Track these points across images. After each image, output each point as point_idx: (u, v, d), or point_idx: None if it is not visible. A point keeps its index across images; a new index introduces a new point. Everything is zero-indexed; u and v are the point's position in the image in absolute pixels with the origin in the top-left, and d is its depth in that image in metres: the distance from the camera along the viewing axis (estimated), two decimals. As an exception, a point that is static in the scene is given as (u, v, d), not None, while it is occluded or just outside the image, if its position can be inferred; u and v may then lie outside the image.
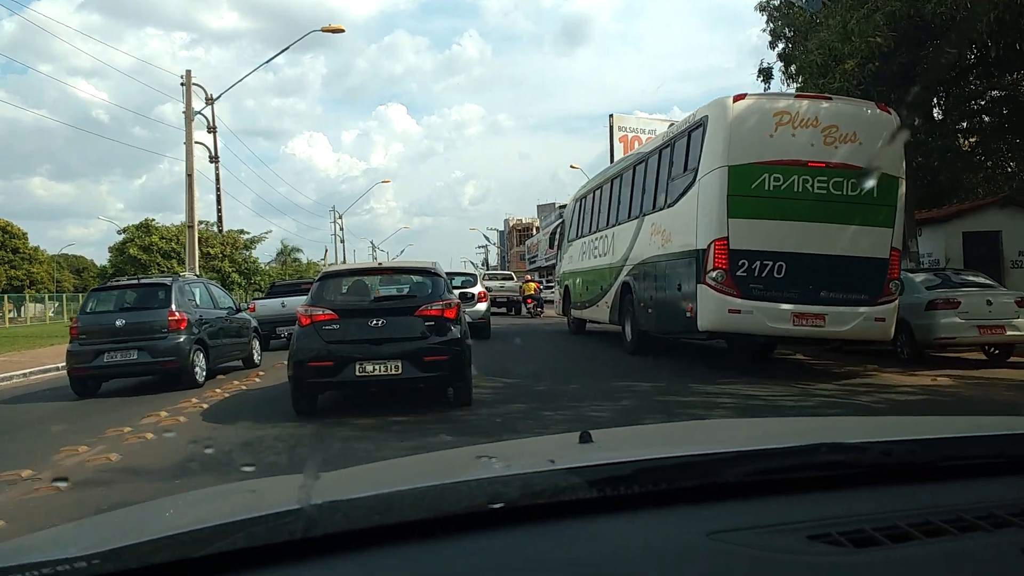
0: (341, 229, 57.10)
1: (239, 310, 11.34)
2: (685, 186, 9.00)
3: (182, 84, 18.72)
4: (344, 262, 59.23)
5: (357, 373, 6.39)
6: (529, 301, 24.19)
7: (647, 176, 10.67)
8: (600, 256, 12.83)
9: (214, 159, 25.77)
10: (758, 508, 0.91)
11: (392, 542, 0.81)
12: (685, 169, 9.12)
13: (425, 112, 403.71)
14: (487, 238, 77.23)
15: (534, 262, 56.08)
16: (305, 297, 7.51)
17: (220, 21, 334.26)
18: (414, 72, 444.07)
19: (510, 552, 0.82)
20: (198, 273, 13.10)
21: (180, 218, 42.13)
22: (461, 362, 6.64)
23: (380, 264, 9.67)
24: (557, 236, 17.81)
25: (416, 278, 7.81)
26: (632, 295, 10.67)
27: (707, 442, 1.30)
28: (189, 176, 18.57)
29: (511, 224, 78.81)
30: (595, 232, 13.48)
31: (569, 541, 0.83)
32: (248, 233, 42.31)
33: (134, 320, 9.09)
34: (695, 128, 8.94)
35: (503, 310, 24.05)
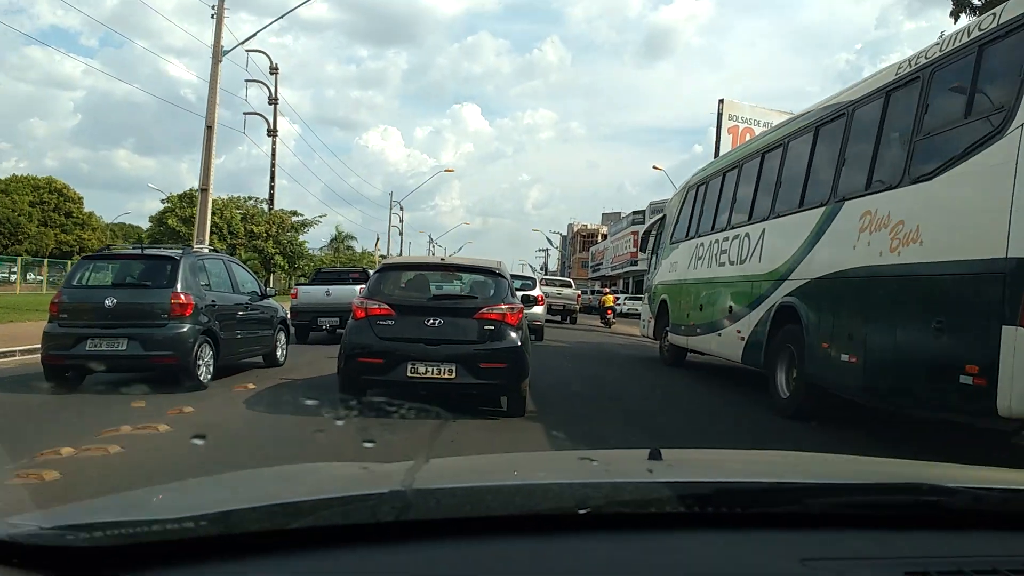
0: (401, 221, 56.27)
1: (264, 295, 9.61)
2: (974, 141, 4.93)
3: (212, 16, 16.81)
4: (400, 254, 58.33)
5: (408, 374, 6.14)
6: (609, 312, 24.58)
7: (855, 134, 6.71)
8: (731, 264, 9.25)
9: (272, 132, 24.76)
10: (849, 540, 0.91)
11: (479, 534, 0.84)
12: (969, 111, 5.12)
13: (498, 114, 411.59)
14: (550, 241, 74.83)
15: (598, 270, 53.69)
16: (351, 287, 7.70)
17: (310, 10, 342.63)
18: (492, 74, 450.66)
19: (593, 556, 0.83)
20: (214, 247, 11.21)
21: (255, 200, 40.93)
22: (519, 371, 6.32)
23: (443, 259, 8.39)
24: (653, 237, 13.83)
25: (479, 277, 7.22)
26: (801, 326, 6.88)
27: (796, 472, 1.29)
28: (209, 128, 16.77)
29: (575, 229, 75.46)
30: (723, 230, 9.79)
31: (654, 552, 0.84)
32: (301, 215, 41.28)
33: (129, 301, 7.43)
34: (1009, 30, 4.79)
35: (557, 318, 23.31)
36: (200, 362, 7.60)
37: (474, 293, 7.14)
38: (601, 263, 56.34)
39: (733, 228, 9.40)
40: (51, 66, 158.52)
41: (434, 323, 6.30)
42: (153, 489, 1.24)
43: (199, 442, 4.56)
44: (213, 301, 8.06)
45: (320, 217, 55.73)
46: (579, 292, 28.34)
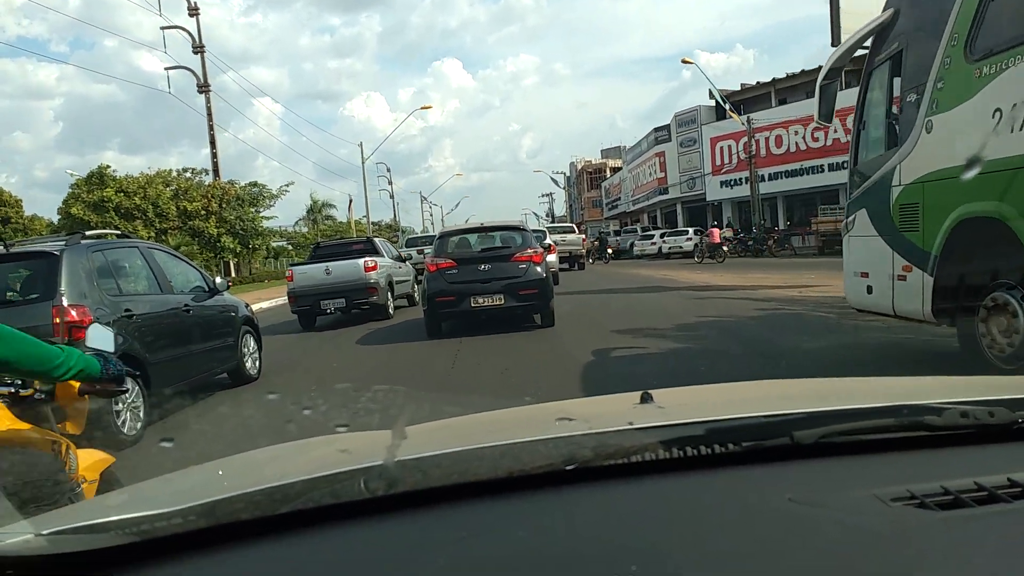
0: (390, 183, 53.45)
1: (214, 291, 7.12)
2: None
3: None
4: (396, 217, 55.71)
5: (472, 304, 9.11)
6: (723, 245, 23.56)
7: None
8: None
9: (203, 88, 21.83)
10: (837, 468, 0.94)
11: (468, 498, 0.86)
12: None
13: (480, 66, 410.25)
14: (555, 181, 70.59)
15: (615, 207, 49.94)
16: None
17: None
18: (468, 25, 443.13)
19: (584, 509, 0.85)
20: (125, 232, 8.02)
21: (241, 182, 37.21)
22: (546, 294, 9.36)
23: (482, 223, 11.73)
24: (877, 95, 6.10)
25: (510, 233, 10.37)
26: None
27: (778, 402, 1.30)
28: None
29: (579, 167, 70.68)
30: None
31: (644, 499, 0.87)
32: (260, 186, 34.82)
33: (-16, 329, 4.97)
34: None
35: (564, 265, 22.97)
36: (121, 407, 5.19)
37: (508, 244, 10.05)
38: (619, 199, 52.37)
39: None
40: (24, 78, 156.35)
41: (484, 268, 9.29)
42: (141, 485, 1.24)
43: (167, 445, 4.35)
44: (128, 310, 5.60)
45: (286, 186, 47.76)
46: (583, 237, 28.89)
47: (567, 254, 22.74)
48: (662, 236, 35.35)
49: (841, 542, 0.75)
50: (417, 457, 0.92)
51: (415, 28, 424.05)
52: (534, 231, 18.48)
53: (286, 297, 13.02)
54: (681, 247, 32.99)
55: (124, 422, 5.21)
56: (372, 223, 67.44)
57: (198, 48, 23.09)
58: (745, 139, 32.39)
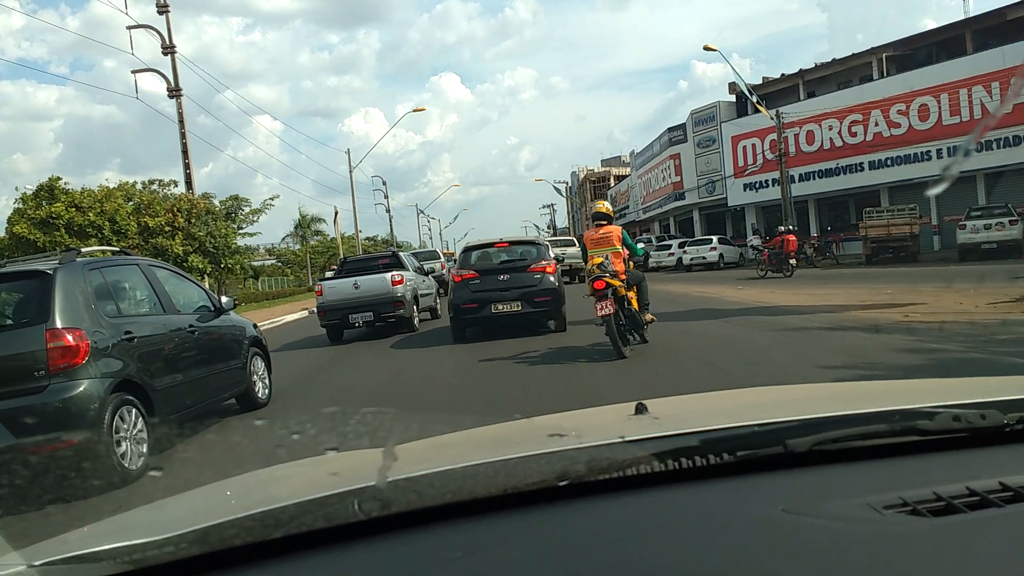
0: (386, 197, 53.17)
1: (219, 310, 6.73)
2: None
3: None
4: (392, 232, 55.56)
5: (493, 311, 10.17)
6: (793, 255, 20.73)
7: None
8: None
9: (174, 92, 20.87)
10: (830, 476, 0.94)
11: (463, 516, 0.86)
12: None
13: (478, 80, 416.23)
14: (558, 190, 69.30)
15: (623, 215, 49.05)
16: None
17: (272, 3, 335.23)
18: (467, 40, 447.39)
19: (579, 524, 0.85)
20: (121, 249, 7.53)
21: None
22: (559, 301, 10.26)
23: (501, 239, 12.32)
24: None
25: (526, 247, 11.73)
26: None
27: (769, 410, 1.28)
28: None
29: (581, 176, 69.33)
30: None
31: (638, 513, 0.87)
32: (238, 200, 33.42)
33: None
34: None
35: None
36: (120, 437, 4.80)
37: (524, 257, 11.13)
38: (626, 207, 50.77)
39: None
40: (24, 99, 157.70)
41: (504, 278, 10.31)
42: (133, 512, 1.23)
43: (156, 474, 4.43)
44: (129, 332, 5.22)
45: (271, 200, 44.82)
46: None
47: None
48: (681, 246, 32.03)
49: (833, 552, 0.75)
50: (410, 477, 0.92)
51: (413, 44, 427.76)
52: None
53: (304, 312, 13.75)
54: (704, 258, 30.11)
55: (125, 455, 4.82)
56: (367, 239, 66.95)
57: (168, 49, 21.71)
58: (772, 136, 29.14)
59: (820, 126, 29.95)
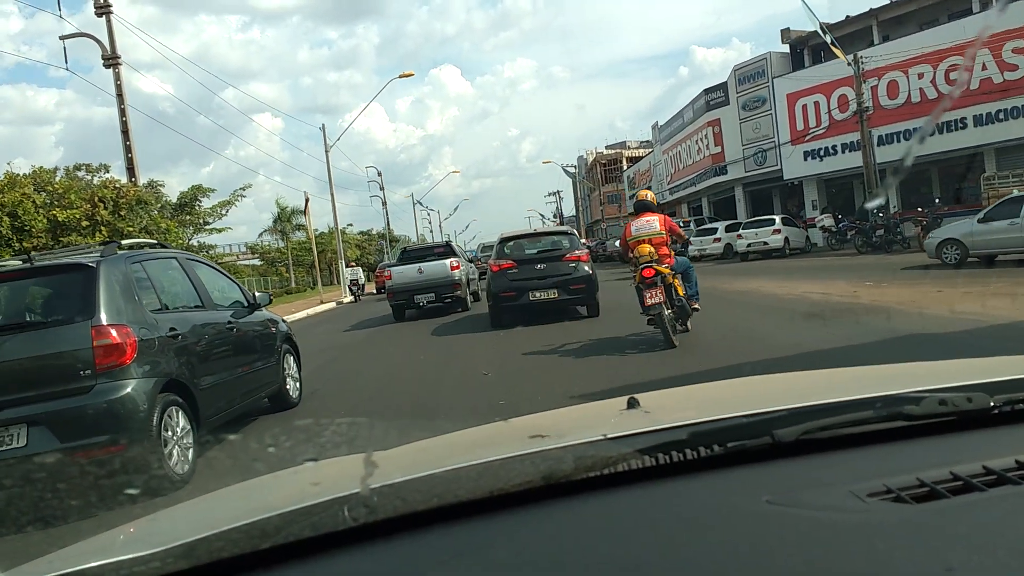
0: (382, 189, 52.81)
1: (253, 306, 6.61)
2: None
3: None
4: (388, 225, 55.46)
5: (530, 298, 11.05)
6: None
7: None
8: None
9: (111, 60, 18.82)
10: (815, 466, 0.97)
11: (448, 520, 0.87)
12: None
13: (478, 72, 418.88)
14: (567, 172, 68.17)
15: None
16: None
17: (271, 2, 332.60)
18: (466, 31, 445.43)
19: (566, 523, 0.87)
20: (161, 241, 7.28)
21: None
22: (592, 288, 11.21)
23: (536, 230, 13.79)
24: None
25: (559, 237, 12.61)
26: None
27: (758, 400, 1.30)
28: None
29: (589, 160, 65.66)
30: None
31: (624, 510, 0.89)
32: (199, 190, 29.73)
33: (14, 358, 4.45)
34: None
35: None
36: (170, 440, 4.69)
37: (558, 246, 11.99)
38: (648, 188, 48.53)
39: None
40: (24, 103, 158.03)
41: (540, 267, 11.25)
42: (120, 528, 1.25)
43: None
44: (173, 329, 5.10)
45: (242, 190, 37.38)
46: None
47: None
48: (730, 229, 26.69)
49: (816, 541, 0.77)
50: (394, 482, 0.93)
51: (412, 37, 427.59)
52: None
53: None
54: (766, 243, 24.39)
55: (174, 461, 4.72)
56: (361, 232, 66.27)
57: (102, 9, 17.88)
58: (840, 91, 24.19)
59: (906, 74, 23.80)
